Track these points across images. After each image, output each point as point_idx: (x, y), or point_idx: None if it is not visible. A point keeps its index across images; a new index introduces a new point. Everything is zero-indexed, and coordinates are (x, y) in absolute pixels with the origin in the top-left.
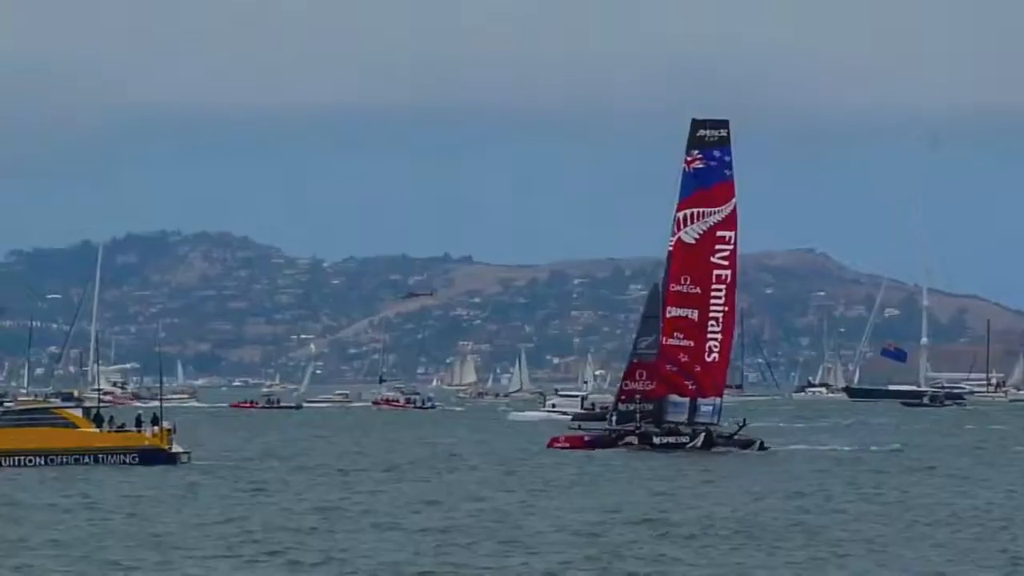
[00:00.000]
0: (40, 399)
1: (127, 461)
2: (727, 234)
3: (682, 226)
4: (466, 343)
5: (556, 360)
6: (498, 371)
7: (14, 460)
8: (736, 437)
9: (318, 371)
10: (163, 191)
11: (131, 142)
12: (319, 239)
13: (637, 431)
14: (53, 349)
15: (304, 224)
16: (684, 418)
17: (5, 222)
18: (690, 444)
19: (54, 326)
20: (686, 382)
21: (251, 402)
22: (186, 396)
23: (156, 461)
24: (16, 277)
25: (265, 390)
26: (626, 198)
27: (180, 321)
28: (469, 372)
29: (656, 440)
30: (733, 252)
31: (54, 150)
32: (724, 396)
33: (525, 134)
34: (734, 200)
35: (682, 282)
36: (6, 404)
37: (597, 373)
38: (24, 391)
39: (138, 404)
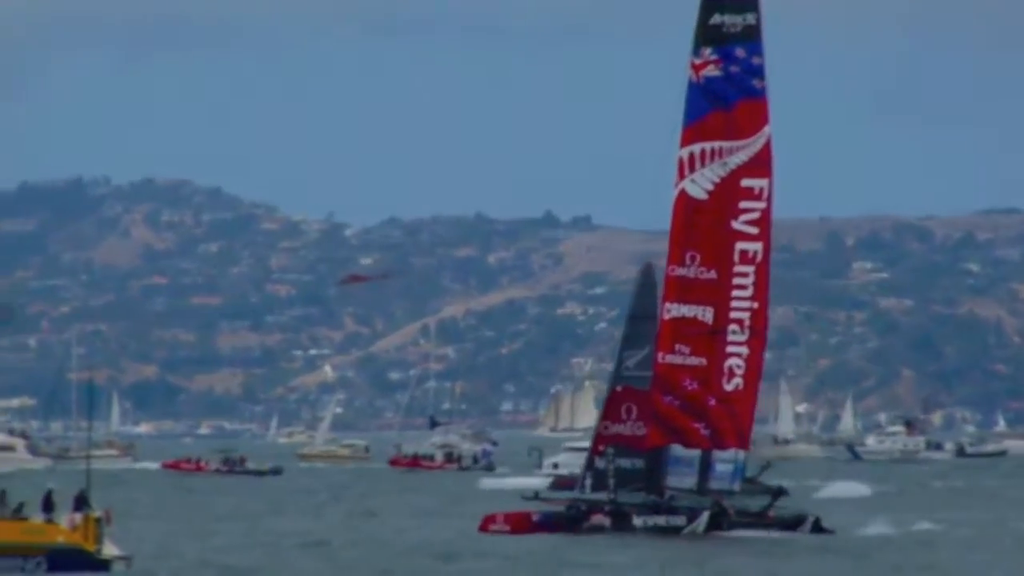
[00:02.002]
0: None
1: (26, 569)
2: (757, 184)
3: (687, 171)
4: (582, 359)
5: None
6: None
7: None
8: (773, 513)
9: (339, 408)
10: (81, 116)
11: (34, 42)
12: (339, 192)
13: (608, 506)
14: None
15: (314, 168)
16: (693, 483)
17: None
18: (688, 528)
19: None
20: (695, 424)
21: (198, 461)
22: (115, 454)
23: (74, 568)
24: None
25: (217, 445)
26: None
27: (109, 327)
28: (587, 407)
29: (637, 522)
30: (766, 213)
31: None
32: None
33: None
34: (767, 129)
35: (687, 262)
36: None
37: (800, 409)
38: None
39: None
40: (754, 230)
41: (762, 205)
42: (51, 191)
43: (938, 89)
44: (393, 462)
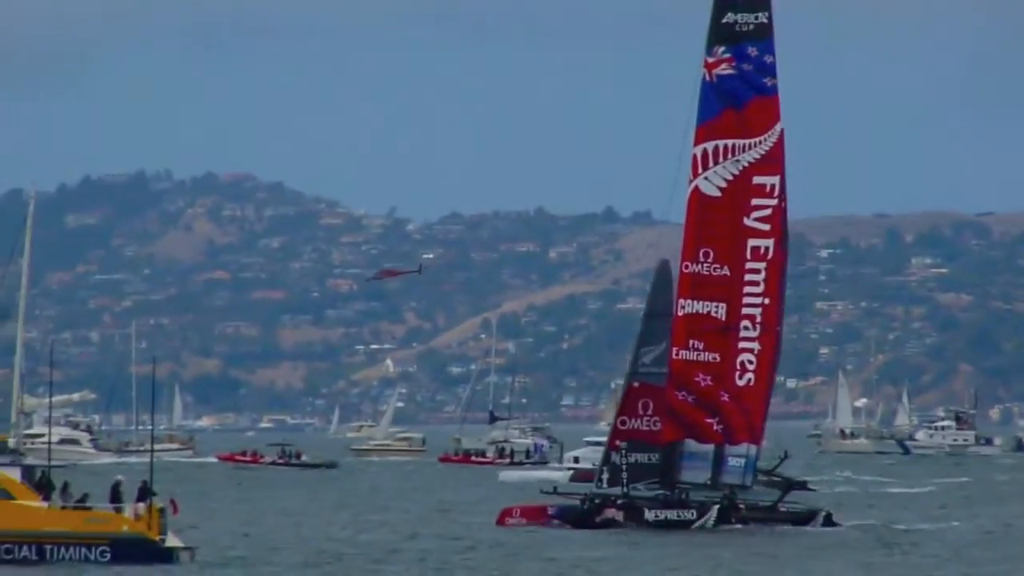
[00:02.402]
0: None
1: (91, 557)
2: (768, 181)
3: (700, 169)
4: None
5: (792, 383)
6: None
7: None
8: (785, 507)
9: (400, 403)
10: (144, 111)
11: (97, 36)
12: (401, 187)
13: (622, 500)
14: None
15: (376, 164)
16: (706, 477)
17: None
18: (698, 523)
19: None
20: (708, 420)
21: (253, 454)
22: (177, 447)
23: (139, 558)
24: None
25: (274, 438)
26: None
27: (171, 322)
28: None
29: (649, 516)
30: (779, 210)
31: None
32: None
33: None
34: (779, 126)
35: (700, 259)
36: None
37: (859, 403)
38: None
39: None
40: (766, 227)
41: (774, 202)
42: (114, 186)
43: (998, 84)
44: (444, 459)
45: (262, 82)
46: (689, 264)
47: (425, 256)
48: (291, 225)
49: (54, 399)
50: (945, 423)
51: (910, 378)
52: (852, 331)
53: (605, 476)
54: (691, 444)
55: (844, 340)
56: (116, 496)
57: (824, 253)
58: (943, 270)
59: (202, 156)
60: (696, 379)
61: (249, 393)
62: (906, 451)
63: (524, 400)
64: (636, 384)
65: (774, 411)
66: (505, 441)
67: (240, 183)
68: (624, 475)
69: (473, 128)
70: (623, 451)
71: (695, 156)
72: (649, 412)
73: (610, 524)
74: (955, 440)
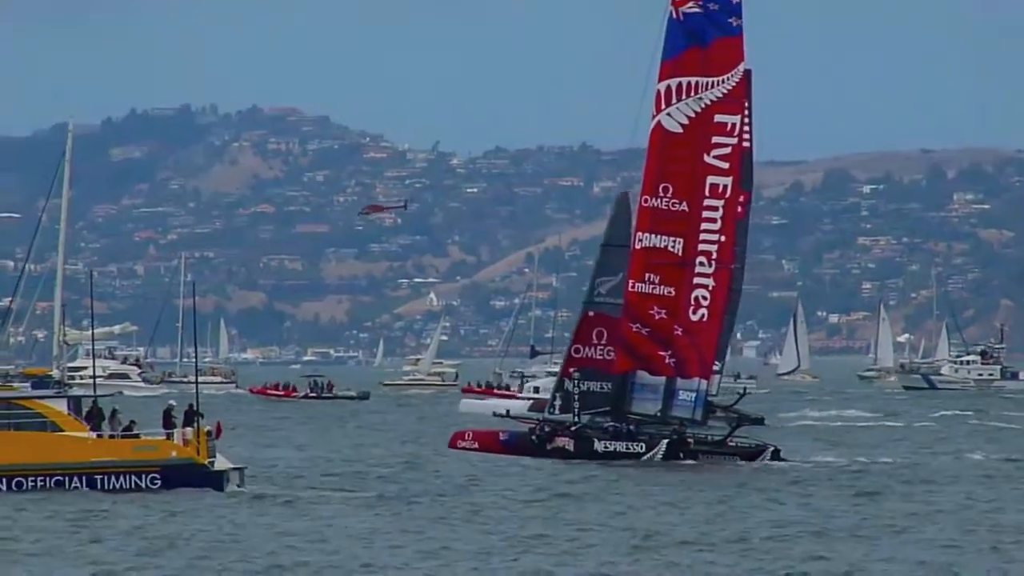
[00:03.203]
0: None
1: (141, 484)
2: (729, 120)
3: (664, 104)
4: None
5: (834, 318)
6: (738, 336)
7: None
8: (734, 442)
9: (444, 336)
10: (189, 45)
11: None
12: (445, 121)
13: (573, 429)
14: (9, 303)
15: (420, 98)
16: (656, 409)
17: None
18: (647, 455)
19: (10, 265)
20: (661, 352)
21: (286, 387)
22: (219, 379)
23: (188, 483)
24: None
25: (307, 371)
26: None
27: (216, 254)
28: None
29: (599, 447)
30: (738, 148)
31: None
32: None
33: None
34: (742, 65)
35: (660, 193)
36: None
37: (902, 339)
38: None
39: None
40: (725, 164)
41: (734, 140)
42: (159, 119)
43: None
44: (466, 390)
45: (307, 16)
46: (649, 198)
47: (469, 190)
48: (336, 159)
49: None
50: (970, 357)
51: (951, 313)
52: (894, 266)
53: (557, 403)
54: (643, 376)
55: (886, 275)
56: (168, 421)
57: (867, 188)
58: (985, 206)
59: (247, 90)
60: (651, 312)
61: (294, 326)
62: (932, 386)
63: (567, 334)
64: (591, 313)
65: (817, 346)
66: (530, 375)
67: (285, 117)
68: (576, 402)
69: (518, 62)
70: (576, 379)
71: (659, 92)
72: (603, 341)
73: (560, 452)
74: (980, 375)
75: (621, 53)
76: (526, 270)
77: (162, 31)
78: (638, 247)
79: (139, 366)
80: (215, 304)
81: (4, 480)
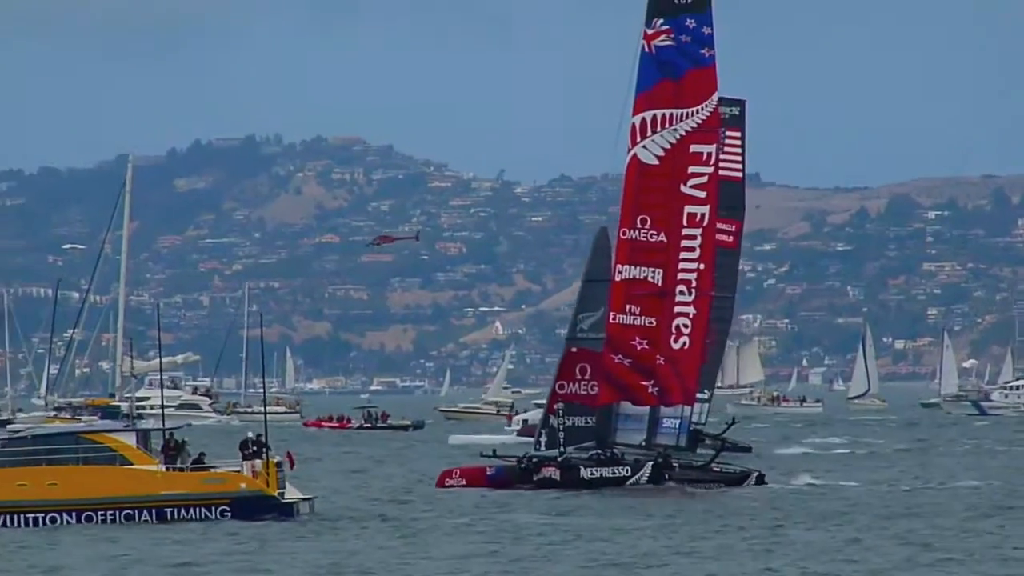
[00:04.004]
0: (65, 417)
1: (211, 516)
2: (705, 149)
3: (639, 137)
4: (750, 317)
5: (900, 343)
6: (804, 362)
7: (24, 517)
8: (719, 468)
9: (512, 365)
10: (254, 76)
11: (209, 2)
12: (509, 150)
13: (559, 460)
14: (72, 334)
15: (486, 127)
16: (641, 439)
17: None
18: (633, 479)
19: (75, 296)
20: (644, 382)
21: (341, 419)
22: (283, 410)
23: (259, 513)
24: (10, 216)
25: (363, 397)
26: None
27: (281, 284)
28: (752, 365)
29: (584, 474)
30: (714, 177)
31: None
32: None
33: None
34: (715, 96)
35: (638, 225)
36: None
37: (967, 364)
38: (39, 402)
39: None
40: (702, 194)
41: (710, 170)
42: (224, 150)
43: None
44: (508, 416)
45: (371, 46)
46: (627, 231)
47: (534, 219)
48: (400, 188)
49: (155, 362)
50: (1019, 383)
51: (1015, 338)
52: (959, 292)
53: (543, 439)
54: (626, 406)
55: (951, 301)
56: (252, 448)
57: (931, 215)
58: None
59: (311, 120)
60: (632, 343)
61: (359, 356)
62: (982, 412)
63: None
64: (574, 349)
65: (883, 372)
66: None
67: (349, 147)
68: (561, 435)
69: (582, 91)
70: (560, 413)
71: (634, 125)
72: (586, 376)
73: (547, 483)
74: None
75: None
76: None
77: (226, 62)
78: (618, 279)
79: (210, 396)
80: (280, 334)
81: (74, 514)
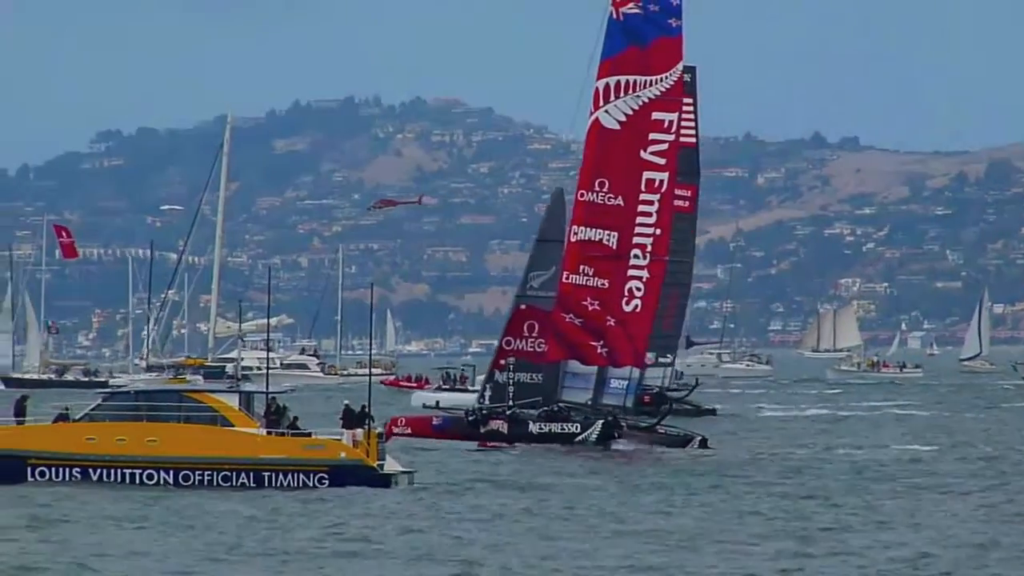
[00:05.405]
0: (168, 377)
1: (309, 483)
2: (666, 117)
3: (602, 102)
4: (850, 280)
5: (999, 308)
6: (904, 327)
7: (121, 472)
8: (663, 429)
9: None
10: (353, 37)
11: None
12: None
13: (506, 415)
14: (169, 293)
15: (587, 89)
16: (587, 398)
17: (87, 92)
18: (581, 436)
19: (173, 257)
20: (593, 343)
21: (419, 379)
22: (381, 371)
23: (356, 483)
24: (109, 177)
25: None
26: None
27: (380, 246)
28: (849, 329)
29: (533, 428)
30: (675, 145)
31: None
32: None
33: None
34: (680, 65)
35: (596, 188)
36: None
37: None
38: (139, 363)
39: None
40: (661, 160)
41: (671, 137)
42: (323, 111)
43: None
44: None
45: (471, 7)
46: (585, 192)
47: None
48: (500, 150)
49: (248, 324)
50: None
51: None
52: None
53: (488, 394)
54: (574, 365)
55: None
56: (351, 417)
57: None
58: None
59: (411, 81)
60: (584, 303)
61: (457, 318)
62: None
63: (731, 325)
64: (523, 306)
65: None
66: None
67: (449, 108)
68: (511, 389)
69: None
70: (509, 367)
71: (597, 89)
72: (534, 334)
73: (494, 435)
74: None
75: (778, 44)
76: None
77: (325, 22)
78: (573, 240)
79: (317, 356)
80: (379, 295)
81: (171, 472)
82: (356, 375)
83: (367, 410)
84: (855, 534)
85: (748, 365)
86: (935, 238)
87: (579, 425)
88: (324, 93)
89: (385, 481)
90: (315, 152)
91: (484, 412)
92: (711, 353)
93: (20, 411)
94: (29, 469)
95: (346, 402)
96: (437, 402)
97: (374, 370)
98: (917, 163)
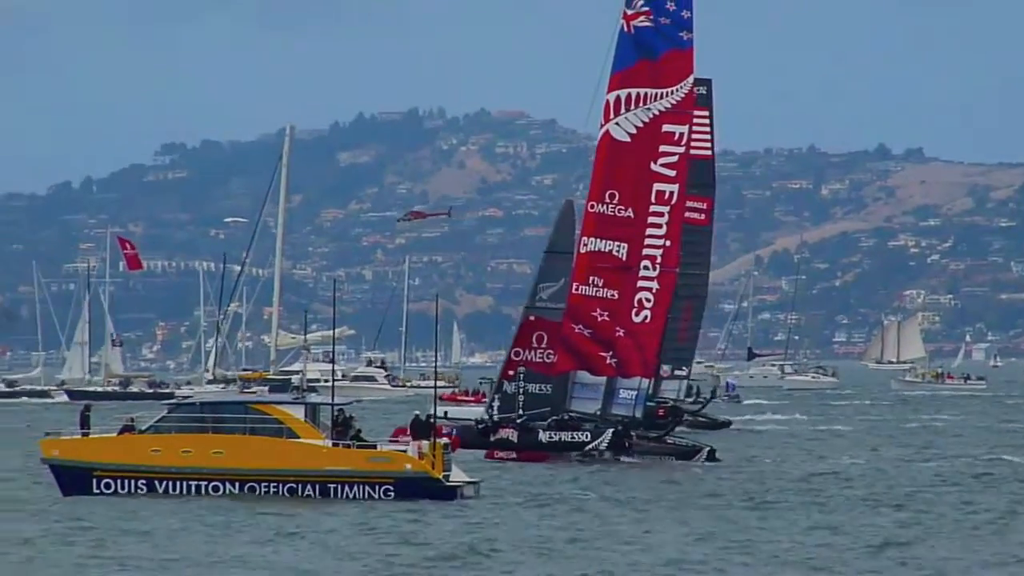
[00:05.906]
0: (236, 389)
1: (375, 495)
2: (677, 130)
3: (612, 114)
4: (914, 292)
5: None
6: (968, 338)
7: (187, 484)
8: (672, 440)
9: None
10: (417, 49)
11: None
12: None
13: (516, 423)
14: (231, 308)
15: None
16: (596, 409)
17: (151, 105)
18: (591, 445)
19: (236, 269)
20: (602, 353)
21: (476, 393)
22: (444, 384)
23: (422, 495)
24: (173, 189)
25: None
26: None
27: (444, 259)
28: (913, 341)
29: (543, 437)
30: (685, 157)
31: None
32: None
33: None
34: (691, 78)
35: (606, 199)
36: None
37: None
38: (206, 375)
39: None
40: (672, 172)
41: (680, 150)
42: (387, 123)
43: None
44: None
45: (535, 19)
46: (595, 204)
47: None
48: (564, 162)
49: (313, 335)
50: None
51: None
52: None
53: (496, 404)
54: (583, 376)
55: None
56: (416, 432)
57: None
58: None
59: (475, 93)
60: (593, 314)
61: None
62: None
63: (796, 337)
64: (532, 318)
65: None
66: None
67: (513, 120)
68: (521, 400)
69: (746, 66)
70: (519, 376)
71: (608, 102)
72: (543, 345)
73: (504, 444)
74: None
75: (848, 54)
76: (755, 273)
77: (389, 35)
78: (583, 251)
79: (385, 368)
80: (443, 307)
81: (237, 484)
82: (421, 387)
83: (433, 420)
84: None
85: (813, 377)
86: (999, 250)
87: (590, 434)
88: (388, 105)
89: (451, 493)
90: (379, 164)
91: (494, 421)
92: (774, 364)
93: (84, 422)
94: (95, 480)
95: (416, 412)
96: (446, 412)
97: (438, 383)
98: (981, 174)
